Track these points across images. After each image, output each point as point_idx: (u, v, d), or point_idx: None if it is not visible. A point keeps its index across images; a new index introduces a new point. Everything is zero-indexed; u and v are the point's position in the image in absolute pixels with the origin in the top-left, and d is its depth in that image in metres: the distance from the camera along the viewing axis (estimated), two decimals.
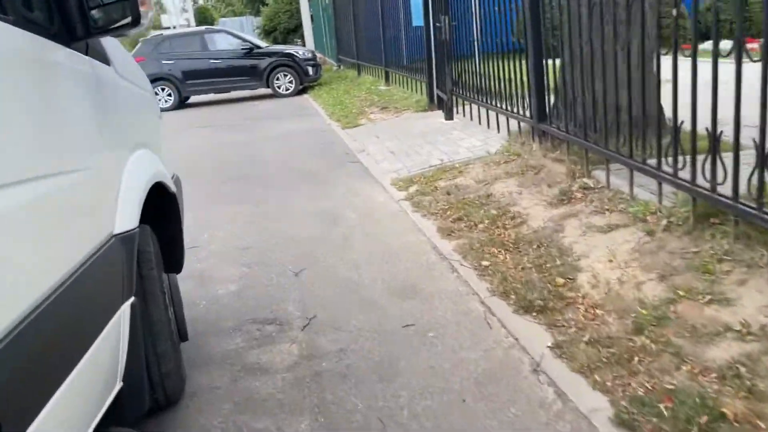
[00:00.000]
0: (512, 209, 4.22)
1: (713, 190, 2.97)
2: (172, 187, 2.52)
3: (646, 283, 2.84)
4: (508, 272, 3.30)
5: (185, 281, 3.26)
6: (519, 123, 5.53)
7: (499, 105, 5.97)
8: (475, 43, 6.60)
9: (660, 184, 3.45)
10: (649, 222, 3.35)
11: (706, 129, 2.97)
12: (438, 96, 8.05)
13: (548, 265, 3.28)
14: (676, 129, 3.24)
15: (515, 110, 5.53)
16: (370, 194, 5.40)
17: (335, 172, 6.39)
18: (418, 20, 9.09)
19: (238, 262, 4.04)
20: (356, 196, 5.37)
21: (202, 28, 14.98)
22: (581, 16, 4.32)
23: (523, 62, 5.25)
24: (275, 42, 26.34)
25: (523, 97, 5.32)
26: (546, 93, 5.03)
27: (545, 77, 4.99)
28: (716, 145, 2.93)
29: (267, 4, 27.91)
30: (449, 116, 7.42)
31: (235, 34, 14.71)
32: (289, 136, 8.99)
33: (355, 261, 3.87)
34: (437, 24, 7.12)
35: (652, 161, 3.53)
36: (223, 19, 35.08)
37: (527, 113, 5.26)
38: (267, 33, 26.70)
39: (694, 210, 3.12)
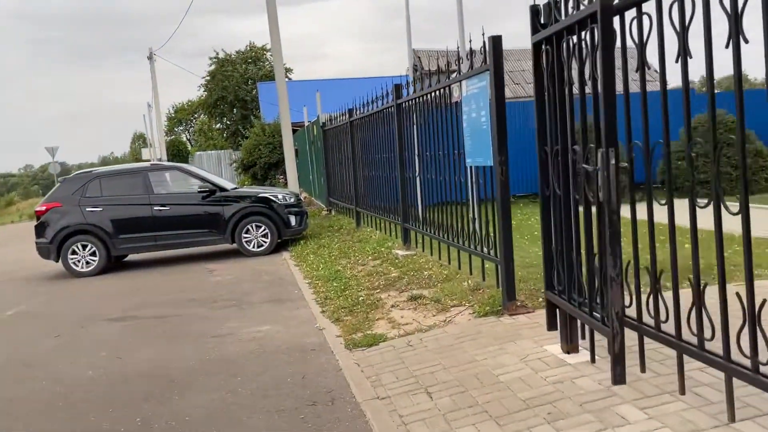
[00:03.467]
0: None
1: None
2: None
3: None
4: None
5: None
6: None
7: None
8: None
9: None
10: None
11: None
12: (550, 303, 3.99)
13: None
14: None
15: None
16: None
17: None
18: (481, 156, 5.28)
19: None
20: None
21: (146, 164, 11.23)
22: None
23: None
24: (254, 179, 22.95)
25: None
26: None
27: None
28: None
29: (247, 137, 24.84)
30: (620, 376, 3.26)
31: (192, 171, 10.94)
32: (246, 365, 4.81)
33: None
34: (578, 160, 3.21)
35: None
36: (199, 153, 32.09)
37: None
38: (246, 168, 23.35)
39: None
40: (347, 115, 10.89)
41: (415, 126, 7.42)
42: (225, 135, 45.83)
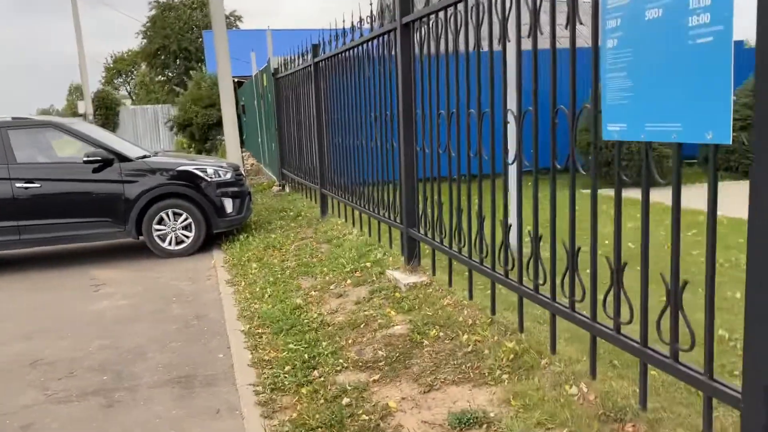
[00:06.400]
0: None
1: None
2: None
3: None
4: None
5: None
6: None
7: None
8: None
9: None
10: None
11: None
12: None
13: None
14: None
15: None
16: None
17: None
18: (678, 116, 2.10)
19: None
20: None
21: (5, 118, 7.56)
22: None
23: None
24: (192, 140, 19.29)
25: None
26: None
27: None
28: None
29: (187, 88, 21.00)
30: None
31: (76, 131, 7.37)
32: None
33: None
34: None
35: None
36: (133, 107, 27.92)
37: None
38: (182, 128, 19.61)
39: None
40: (310, 55, 7.55)
41: (431, 67, 4.23)
42: (166, 88, 41.36)
